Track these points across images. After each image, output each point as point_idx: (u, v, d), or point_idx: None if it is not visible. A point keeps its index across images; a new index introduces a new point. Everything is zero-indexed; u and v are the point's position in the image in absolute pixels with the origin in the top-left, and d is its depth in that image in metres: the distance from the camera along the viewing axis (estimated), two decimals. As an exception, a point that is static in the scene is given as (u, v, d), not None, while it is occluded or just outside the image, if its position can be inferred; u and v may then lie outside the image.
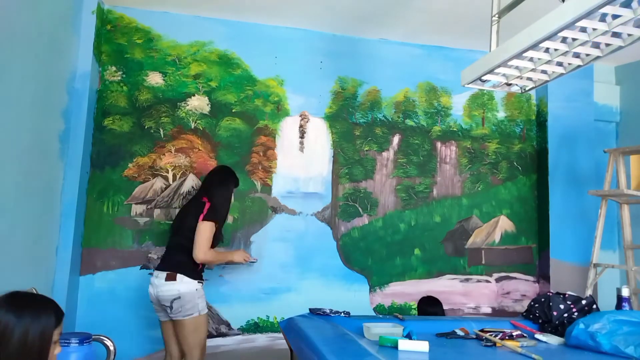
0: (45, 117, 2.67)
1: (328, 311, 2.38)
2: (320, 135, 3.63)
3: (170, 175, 3.36)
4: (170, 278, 2.60)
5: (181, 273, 2.61)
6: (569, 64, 1.98)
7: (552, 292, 2.40)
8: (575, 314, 2.21)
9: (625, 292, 2.23)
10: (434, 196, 3.77)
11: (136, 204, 3.29)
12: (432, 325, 2.27)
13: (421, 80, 3.83)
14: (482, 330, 2.17)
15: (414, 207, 3.72)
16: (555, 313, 2.23)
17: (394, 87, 3.77)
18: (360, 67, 3.73)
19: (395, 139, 3.75)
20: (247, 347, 3.31)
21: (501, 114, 3.96)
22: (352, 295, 3.52)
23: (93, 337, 1.65)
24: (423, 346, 1.83)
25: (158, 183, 3.33)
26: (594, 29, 1.70)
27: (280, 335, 3.01)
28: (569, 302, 2.26)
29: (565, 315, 2.22)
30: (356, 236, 3.61)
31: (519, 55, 1.89)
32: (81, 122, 3.05)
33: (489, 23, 2.22)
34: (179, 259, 2.67)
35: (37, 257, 2.64)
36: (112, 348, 2.41)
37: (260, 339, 3.34)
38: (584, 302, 2.26)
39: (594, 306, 2.26)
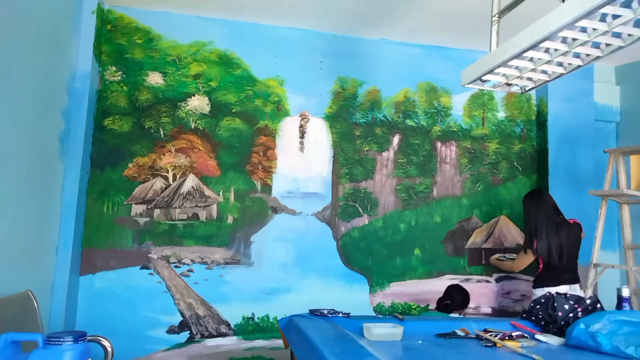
0: (46, 117, 2.67)
1: (326, 312, 2.38)
2: (320, 135, 3.63)
3: (170, 175, 3.36)
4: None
5: None
6: (569, 64, 1.98)
7: (549, 293, 2.40)
8: (580, 313, 2.21)
9: (625, 293, 2.23)
10: (434, 196, 3.77)
11: (136, 204, 3.29)
12: (432, 326, 2.27)
13: (421, 80, 3.83)
14: (482, 331, 2.17)
15: (414, 207, 3.72)
16: (560, 314, 2.23)
17: (394, 87, 3.77)
18: (360, 67, 3.73)
19: (396, 139, 3.75)
20: (247, 347, 3.31)
21: (501, 114, 3.96)
22: (352, 295, 3.52)
23: (89, 337, 1.64)
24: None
25: (158, 183, 3.33)
26: (594, 29, 1.70)
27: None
28: (572, 302, 2.26)
29: (571, 315, 2.21)
30: (356, 236, 3.61)
31: (519, 56, 1.89)
32: (81, 122, 3.05)
33: (489, 23, 2.22)
34: None
35: (37, 257, 2.64)
36: (109, 349, 2.41)
37: (260, 339, 3.34)
38: (588, 301, 2.26)
39: (598, 305, 2.26)
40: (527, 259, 3.15)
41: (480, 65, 2.09)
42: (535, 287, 3.13)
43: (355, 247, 3.60)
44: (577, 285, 3.06)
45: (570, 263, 3.09)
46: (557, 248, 3.05)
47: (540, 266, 3.12)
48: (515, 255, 3.38)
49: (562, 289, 2.99)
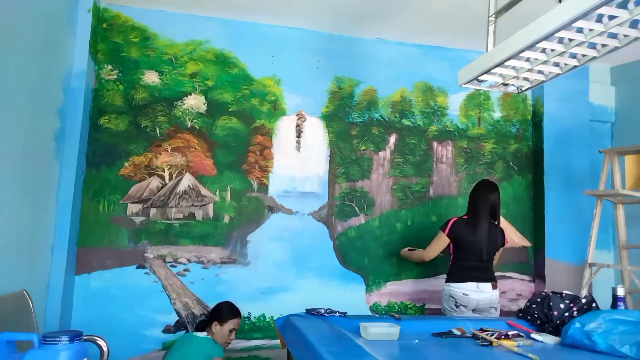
0: (41, 116, 2.65)
1: (323, 311, 2.38)
2: (317, 134, 3.63)
3: (166, 175, 3.35)
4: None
5: None
6: (565, 64, 1.99)
7: (545, 292, 2.41)
8: (576, 313, 2.22)
9: (620, 292, 2.24)
10: (430, 196, 3.77)
11: (132, 203, 3.28)
12: (428, 325, 2.28)
13: (418, 80, 3.84)
14: (478, 330, 2.18)
15: (411, 207, 3.73)
16: (555, 313, 2.24)
17: (390, 86, 3.78)
18: (357, 66, 3.73)
19: (392, 139, 3.76)
20: (243, 347, 3.31)
21: (497, 114, 3.98)
22: (348, 295, 3.52)
23: (85, 337, 1.64)
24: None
25: (154, 182, 3.32)
26: (591, 30, 1.70)
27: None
28: (567, 302, 2.27)
29: (567, 314, 2.22)
30: (353, 236, 3.61)
31: (515, 56, 1.89)
32: (77, 120, 3.03)
33: (485, 23, 2.22)
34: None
35: (32, 256, 2.62)
36: (105, 348, 2.40)
37: (257, 339, 3.34)
38: (584, 300, 2.27)
39: (594, 305, 2.27)
40: (441, 242, 3.01)
41: (477, 65, 2.10)
42: (446, 281, 3.02)
43: (352, 246, 3.60)
44: (488, 284, 2.92)
45: (487, 261, 2.98)
46: (487, 241, 2.94)
47: (452, 257, 3.02)
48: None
49: (469, 286, 2.89)
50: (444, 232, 3.01)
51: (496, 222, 3.06)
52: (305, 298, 3.27)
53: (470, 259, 2.95)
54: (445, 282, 3.03)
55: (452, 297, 2.92)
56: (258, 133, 3.52)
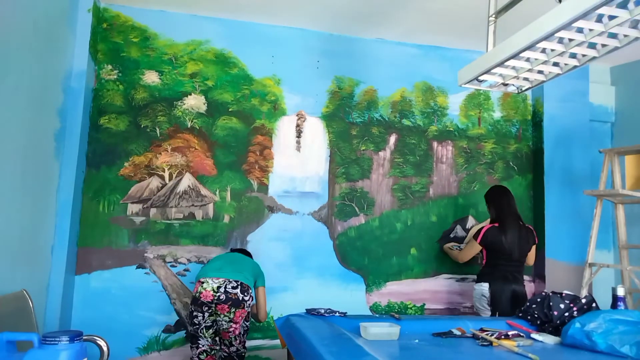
0: (41, 116, 2.65)
1: (323, 311, 2.38)
2: (317, 134, 3.63)
3: (166, 175, 3.35)
4: None
5: None
6: (566, 64, 1.99)
7: (545, 292, 2.41)
8: (576, 313, 2.22)
9: (620, 292, 2.24)
10: (430, 196, 3.77)
11: (132, 203, 3.28)
12: (428, 325, 2.28)
13: (418, 80, 3.84)
14: (478, 330, 2.18)
15: (411, 207, 3.73)
16: (555, 313, 2.24)
17: (390, 86, 3.78)
18: (357, 66, 3.73)
19: (392, 139, 3.76)
20: (243, 347, 3.31)
21: (497, 114, 3.98)
22: (348, 295, 3.52)
23: (85, 337, 1.64)
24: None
25: (154, 182, 3.32)
26: (591, 30, 1.70)
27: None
28: (567, 302, 2.27)
29: (567, 314, 2.22)
30: (353, 236, 3.61)
31: (515, 56, 1.90)
32: (77, 120, 3.03)
33: (485, 23, 2.22)
34: None
35: (32, 256, 2.62)
36: (105, 348, 2.40)
37: (257, 339, 3.34)
38: (584, 300, 2.27)
39: (594, 305, 2.27)
40: (473, 249, 3.18)
41: (477, 65, 2.10)
42: (477, 281, 3.15)
43: (352, 246, 3.60)
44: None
45: (518, 263, 3.13)
46: (517, 243, 3.07)
47: (484, 261, 3.15)
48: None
49: None
50: (476, 240, 3.12)
51: (522, 223, 3.18)
52: (305, 298, 3.27)
53: (502, 262, 3.08)
54: (477, 282, 3.14)
55: (484, 296, 3.04)
56: (258, 133, 3.52)
